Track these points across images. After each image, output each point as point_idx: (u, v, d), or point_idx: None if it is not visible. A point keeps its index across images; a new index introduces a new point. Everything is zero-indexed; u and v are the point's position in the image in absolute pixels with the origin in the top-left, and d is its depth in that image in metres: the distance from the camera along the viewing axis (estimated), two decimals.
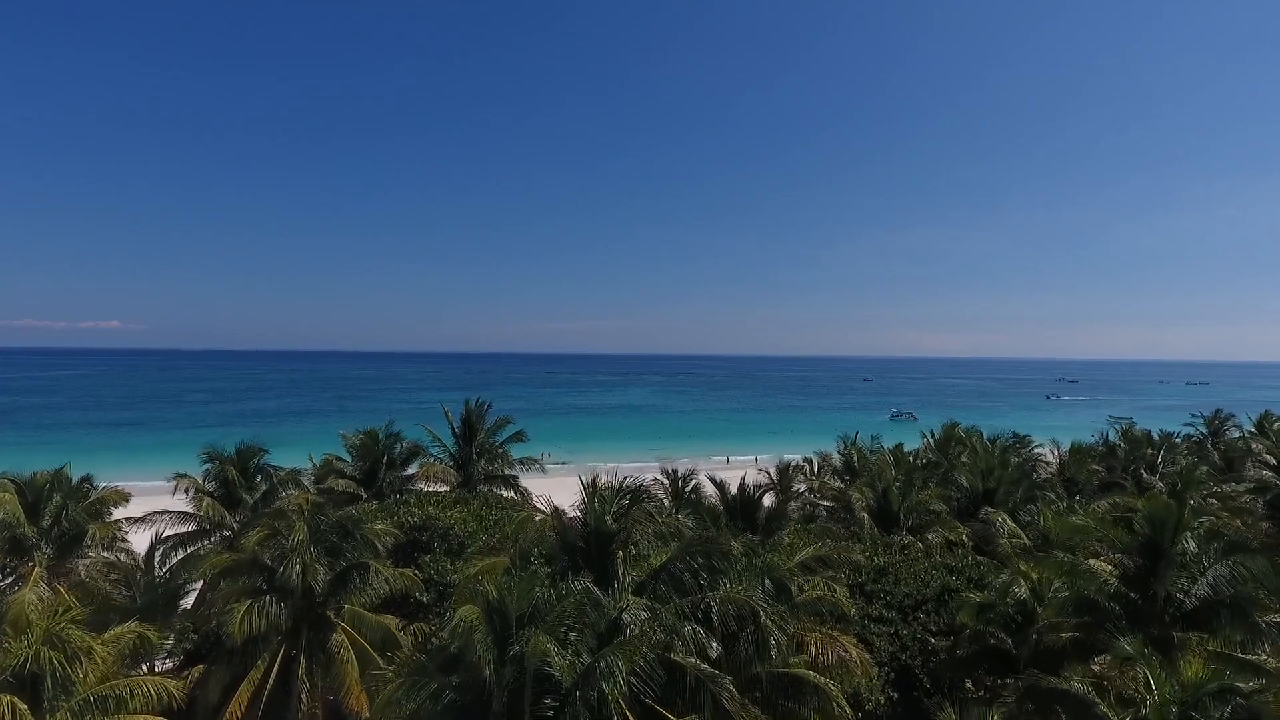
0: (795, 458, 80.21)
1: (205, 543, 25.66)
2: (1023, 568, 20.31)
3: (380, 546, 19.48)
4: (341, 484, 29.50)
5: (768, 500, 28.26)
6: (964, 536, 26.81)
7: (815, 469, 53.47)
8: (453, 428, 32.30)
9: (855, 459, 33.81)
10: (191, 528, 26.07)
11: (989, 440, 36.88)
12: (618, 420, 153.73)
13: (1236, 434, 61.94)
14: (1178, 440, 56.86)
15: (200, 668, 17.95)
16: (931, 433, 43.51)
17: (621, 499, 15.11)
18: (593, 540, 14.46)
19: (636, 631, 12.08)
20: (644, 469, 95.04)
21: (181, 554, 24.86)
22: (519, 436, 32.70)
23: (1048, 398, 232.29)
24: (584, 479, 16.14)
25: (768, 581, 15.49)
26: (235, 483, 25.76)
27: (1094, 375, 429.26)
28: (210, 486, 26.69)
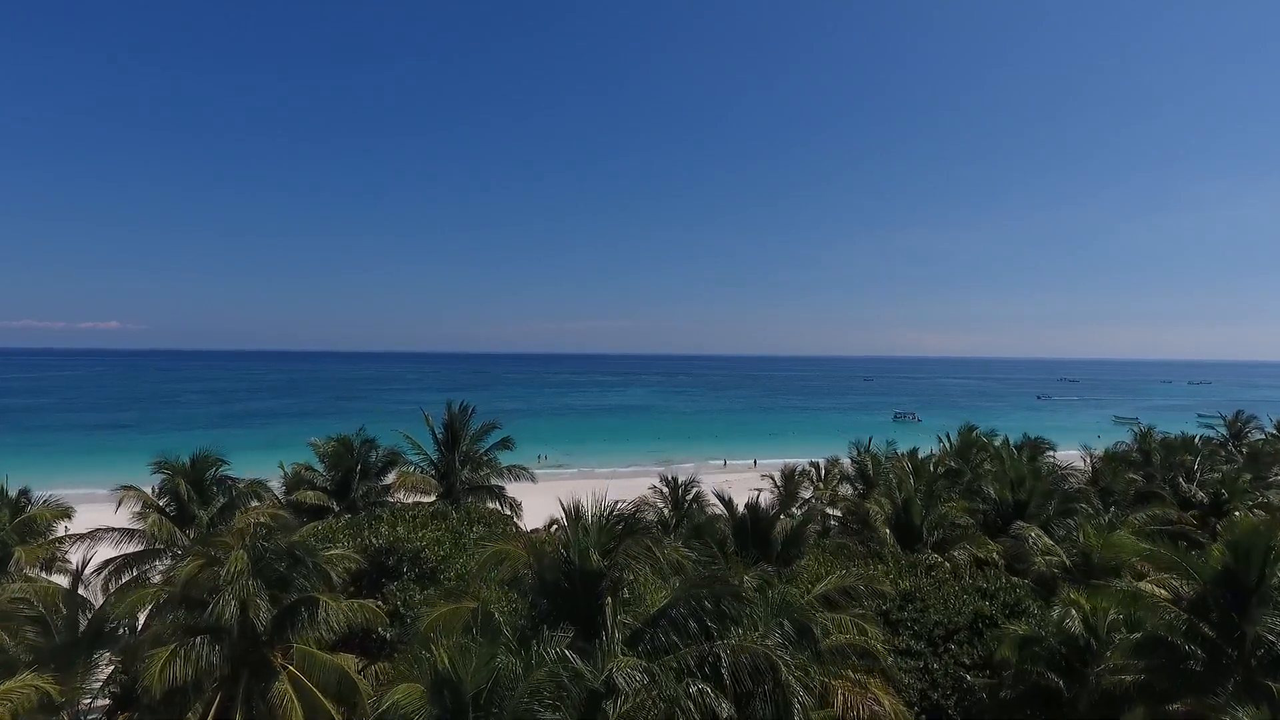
0: (801, 462, 77.33)
1: (155, 564, 23.06)
2: (1072, 595, 17.75)
3: (336, 577, 16.89)
4: (310, 496, 26.90)
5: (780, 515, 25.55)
6: (995, 554, 24.25)
7: (822, 474, 50.93)
8: (434, 433, 29.71)
9: (870, 467, 31.21)
10: (141, 547, 23.47)
11: (1015, 446, 34.27)
12: (617, 421, 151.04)
13: (1258, 436, 59.23)
14: (1197, 442, 54.52)
15: (124, 717, 15.39)
16: (947, 436, 40.90)
17: (612, 529, 12.48)
18: (577, 581, 11.89)
19: (628, 705, 9.52)
20: (643, 472, 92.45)
21: (128, 576, 22.29)
22: (506, 443, 30.07)
23: (1038, 398, 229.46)
24: (565, 503, 13.57)
25: (787, 623, 12.93)
26: (187, 497, 23.15)
27: (1095, 375, 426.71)
28: (162, 501, 24.08)
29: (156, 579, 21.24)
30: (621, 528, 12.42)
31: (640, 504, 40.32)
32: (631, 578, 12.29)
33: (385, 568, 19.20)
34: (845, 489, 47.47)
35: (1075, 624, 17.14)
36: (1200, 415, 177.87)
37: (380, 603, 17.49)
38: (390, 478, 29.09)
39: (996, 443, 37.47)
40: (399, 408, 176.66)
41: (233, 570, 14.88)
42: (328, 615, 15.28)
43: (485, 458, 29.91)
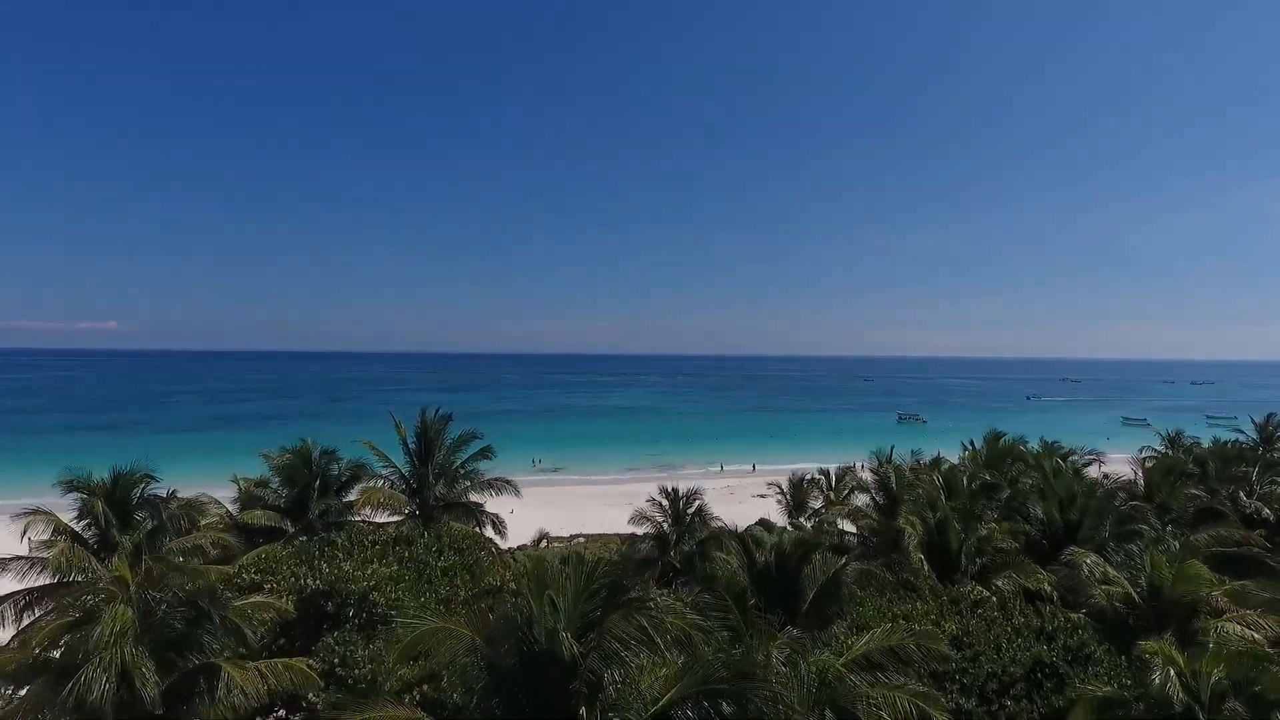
0: (809, 468, 73.78)
1: (72, 600, 19.62)
2: (1168, 652, 14.39)
3: (251, 634, 13.53)
4: (259, 516, 23.52)
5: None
6: (1046, 585, 20.92)
7: (833, 483, 47.51)
8: (405, 444, 26.33)
9: (893, 480, 27.82)
10: (54, 578, 20.06)
11: (1058, 456, 30.83)
12: (614, 423, 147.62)
13: None
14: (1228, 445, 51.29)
15: None
16: (971, 444, 37.52)
17: (594, 596, 8.95)
18: (542, 674, 8.53)
19: None
20: (641, 476, 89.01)
21: (33, 615, 18.88)
22: (485, 454, 26.64)
23: (1028, 398, 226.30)
24: (524, 557, 10.22)
25: (828, 714, 9.61)
26: (105, 521, 19.74)
27: (1095, 375, 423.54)
28: (81, 525, 20.67)
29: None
30: (606, 595, 8.97)
31: (638, 518, 37.05)
32: (618, 676, 8.82)
33: (324, 614, 15.81)
34: (860, 499, 44.07)
35: (1175, 690, 13.80)
36: (1210, 416, 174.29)
37: (311, 662, 14.10)
38: (355, 494, 25.71)
39: (1040, 455, 33.94)
40: (393, 409, 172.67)
41: (110, 630, 11.50)
42: (229, 688, 11.89)
43: (463, 470, 26.49)
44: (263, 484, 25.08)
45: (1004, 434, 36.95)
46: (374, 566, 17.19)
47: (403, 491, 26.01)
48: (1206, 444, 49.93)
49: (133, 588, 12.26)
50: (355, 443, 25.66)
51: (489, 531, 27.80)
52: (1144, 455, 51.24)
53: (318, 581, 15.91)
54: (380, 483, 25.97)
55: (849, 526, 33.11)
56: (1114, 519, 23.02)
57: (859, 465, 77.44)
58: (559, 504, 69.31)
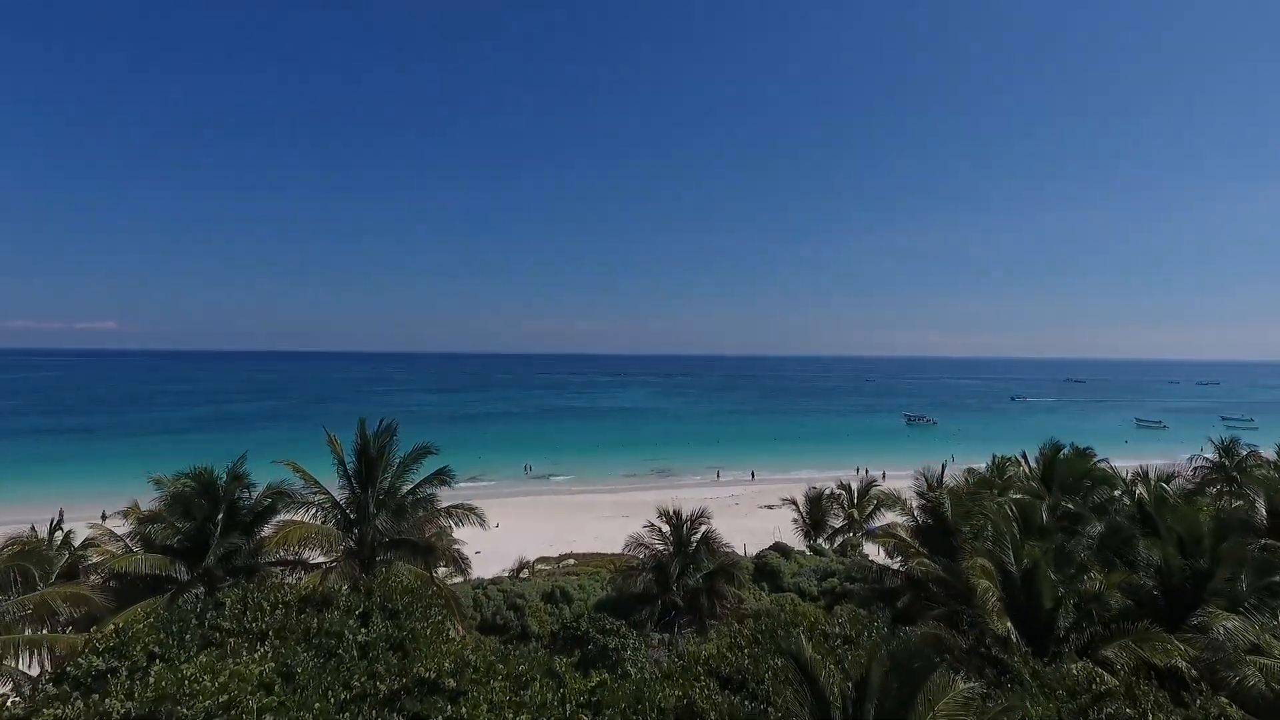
0: (817, 476, 67.86)
1: None
2: None
3: None
4: (138, 563, 18.00)
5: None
6: (1181, 661, 15.53)
7: (854, 499, 42.06)
8: (341, 464, 20.82)
9: (948, 507, 22.34)
10: None
11: (1160, 480, 25.22)
12: (612, 425, 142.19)
13: None
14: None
15: None
16: (1024, 456, 32.05)
17: None
18: None
19: None
20: (638, 484, 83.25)
21: None
22: (442, 478, 20.98)
23: (1012, 399, 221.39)
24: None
25: None
26: None
27: (1098, 375, 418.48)
28: None
29: None
30: None
31: (635, 545, 31.55)
32: None
33: None
34: (887, 516, 38.43)
35: None
36: (1225, 418, 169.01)
37: None
38: (274, 528, 20.19)
39: (1104, 469, 28.47)
40: (380, 409, 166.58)
41: None
42: None
43: (413, 497, 20.94)
44: (153, 518, 19.54)
45: (1063, 445, 31.43)
46: (235, 664, 11.62)
47: (338, 524, 20.48)
48: (1244, 450, 44.29)
49: None
50: (274, 464, 20.08)
51: (442, 570, 22.39)
52: (1196, 466, 45.71)
53: (134, 708, 10.22)
54: (313, 513, 20.44)
55: (891, 562, 27.68)
56: (1254, 567, 17.61)
57: (881, 475, 71.73)
58: (550, 515, 63.67)
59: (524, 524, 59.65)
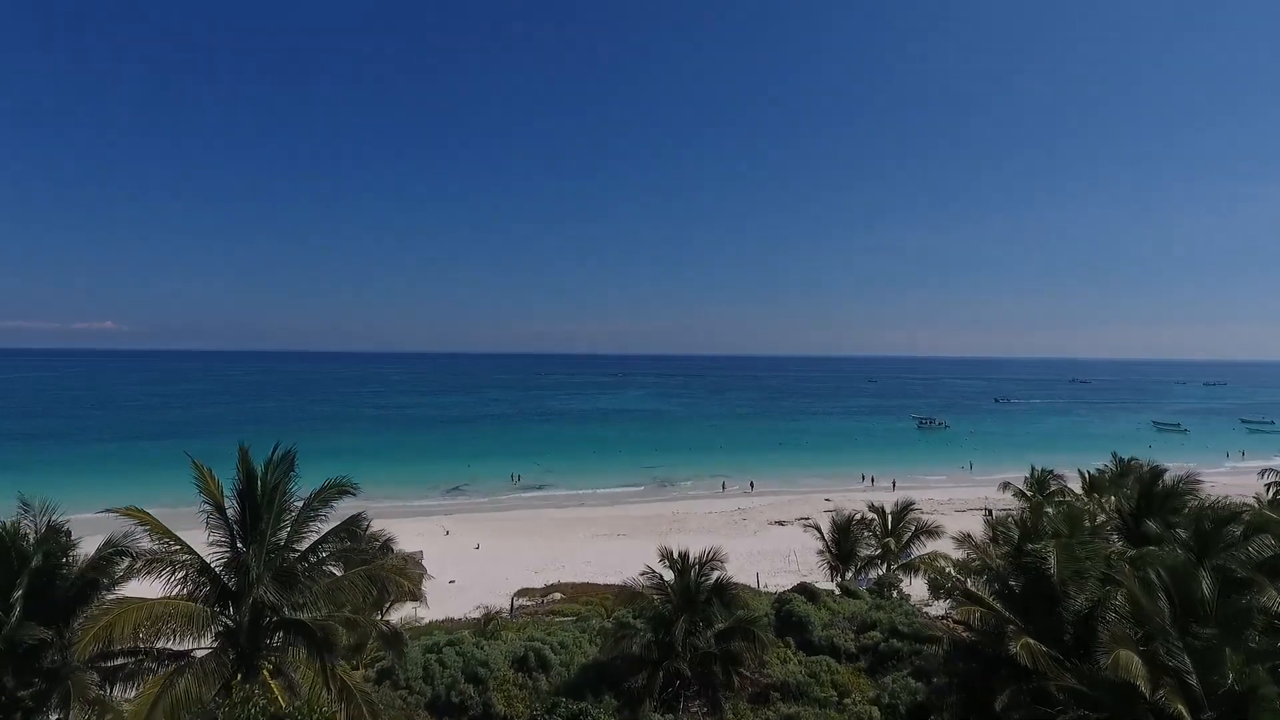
0: (855, 501, 60.78)
1: None
2: None
3: None
4: None
5: None
6: None
7: (889, 525, 36.00)
8: (217, 506, 14.90)
9: (1054, 563, 16.40)
10: None
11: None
12: (610, 428, 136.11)
13: None
14: None
15: None
16: (1085, 474, 26.12)
17: None
18: None
19: None
20: (636, 495, 76.86)
21: None
22: (352, 529, 14.98)
23: (996, 400, 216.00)
24: None
25: None
26: None
27: (1101, 375, 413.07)
28: None
29: None
30: None
31: (629, 597, 25.65)
32: None
33: None
34: (934, 546, 32.37)
35: None
36: (1245, 420, 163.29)
37: None
38: (108, 597, 14.27)
39: (1200, 494, 22.71)
40: (368, 412, 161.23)
41: None
42: None
43: (315, 557, 15.04)
44: None
45: (1143, 463, 25.54)
46: None
47: (208, 597, 14.51)
48: None
49: None
50: (112, 514, 14.07)
51: (356, 674, 16.56)
52: (1269, 482, 39.93)
53: None
54: (170, 579, 14.44)
55: (957, 618, 21.74)
56: None
57: (891, 484, 65.38)
58: (538, 533, 57.55)
59: (507, 544, 53.63)
